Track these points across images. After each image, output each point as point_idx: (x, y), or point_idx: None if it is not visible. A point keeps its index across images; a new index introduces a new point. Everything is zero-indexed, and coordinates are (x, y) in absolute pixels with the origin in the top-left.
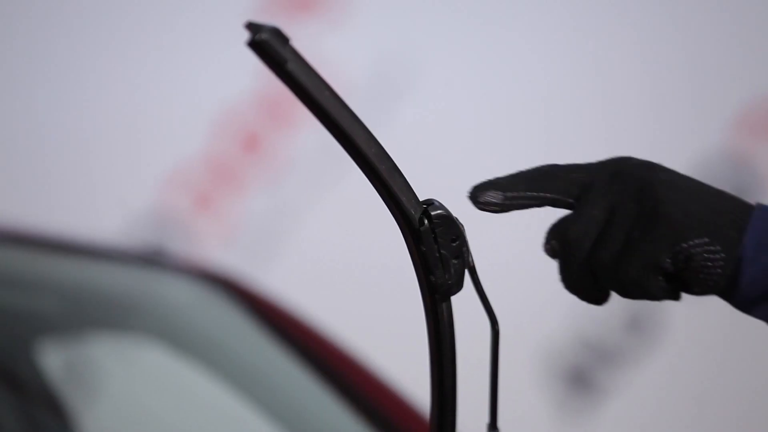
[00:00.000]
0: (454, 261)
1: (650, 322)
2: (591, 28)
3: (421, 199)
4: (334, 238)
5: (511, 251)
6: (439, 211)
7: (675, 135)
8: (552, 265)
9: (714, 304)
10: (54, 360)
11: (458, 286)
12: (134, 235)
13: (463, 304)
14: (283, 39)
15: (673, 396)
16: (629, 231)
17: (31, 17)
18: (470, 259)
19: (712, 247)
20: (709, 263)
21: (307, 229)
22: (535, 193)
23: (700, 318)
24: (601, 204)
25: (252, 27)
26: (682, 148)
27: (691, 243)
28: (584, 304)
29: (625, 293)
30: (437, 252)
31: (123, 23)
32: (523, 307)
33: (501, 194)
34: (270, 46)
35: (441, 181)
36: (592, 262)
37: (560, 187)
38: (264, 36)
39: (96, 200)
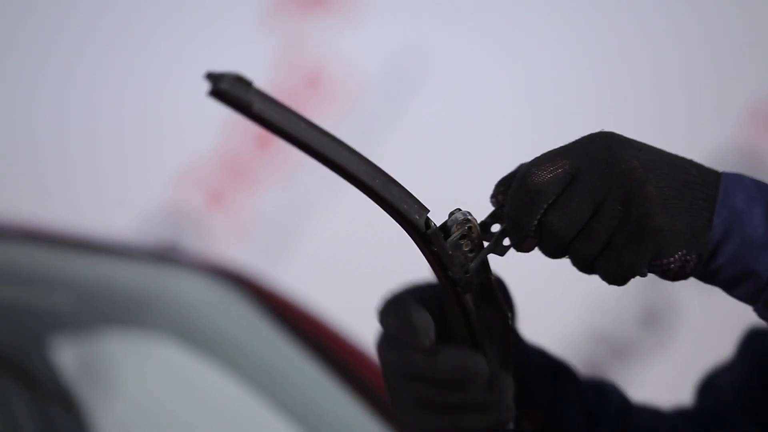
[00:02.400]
0: (469, 253)
1: (664, 316)
2: (602, 25)
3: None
4: (347, 235)
5: None
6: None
7: (686, 130)
8: (565, 261)
9: (727, 298)
10: (68, 357)
11: (480, 274)
12: (148, 231)
13: None
14: (245, 84)
15: (686, 390)
16: (612, 233)
17: (46, 17)
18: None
19: (688, 257)
20: (684, 269)
21: (321, 225)
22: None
23: (713, 312)
24: (587, 200)
25: (211, 77)
26: (693, 143)
27: (671, 258)
28: (597, 298)
29: (590, 272)
30: (449, 249)
31: (137, 22)
32: (536, 301)
33: (531, 240)
34: (230, 94)
35: (454, 175)
36: (568, 250)
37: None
38: (223, 86)
39: (110, 197)
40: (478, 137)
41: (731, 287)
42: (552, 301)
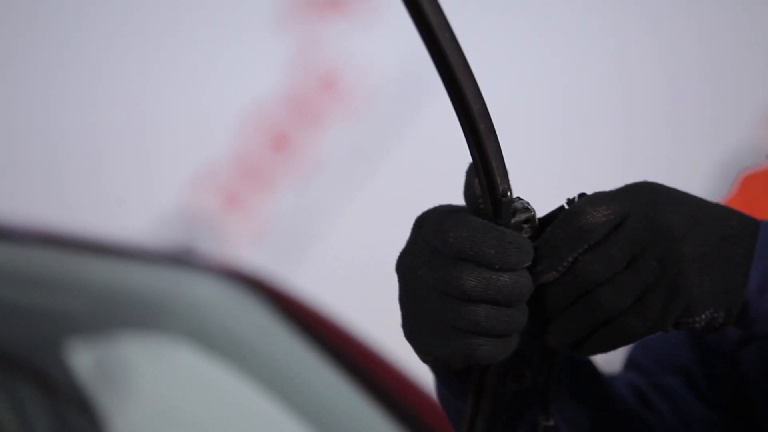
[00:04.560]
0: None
1: None
2: (615, 27)
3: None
4: (362, 238)
5: None
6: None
7: (701, 131)
8: None
9: None
10: (83, 360)
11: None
12: (163, 234)
13: None
14: None
15: None
16: (645, 289)
17: (62, 19)
18: None
19: (715, 314)
20: (712, 325)
21: (336, 228)
22: (577, 249)
23: None
24: (626, 250)
25: None
26: (708, 144)
27: (698, 318)
28: None
29: (602, 332)
30: (511, 227)
31: (154, 23)
32: None
33: (554, 273)
34: None
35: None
36: (590, 297)
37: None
38: None
39: (125, 200)
40: None
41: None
42: None
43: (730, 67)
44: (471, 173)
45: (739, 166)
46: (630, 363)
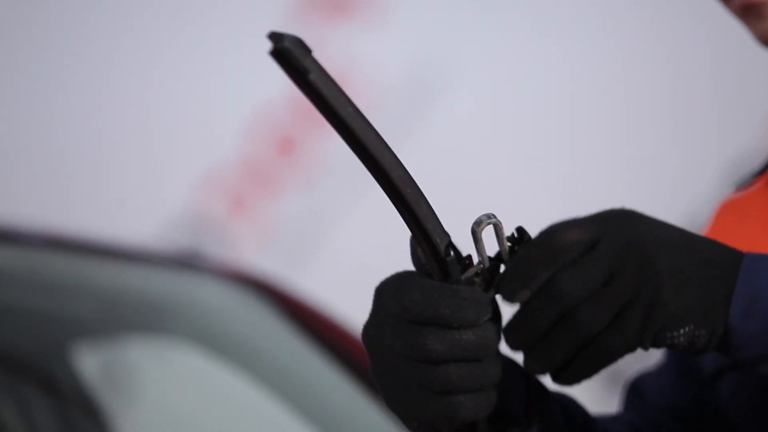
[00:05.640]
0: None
1: None
2: (622, 28)
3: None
4: (369, 241)
5: None
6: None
7: (706, 133)
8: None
9: None
10: (90, 363)
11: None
12: (170, 238)
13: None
14: (305, 50)
15: None
16: (623, 305)
17: (67, 21)
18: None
19: (696, 332)
20: (694, 345)
21: (343, 231)
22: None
23: None
24: (603, 268)
25: (274, 36)
26: (713, 145)
27: (675, 333)
28: None
29: (583, 352)
30: (463, 282)
31: (159, 26)
32: None
33: (528, 291)
34: (292, 55)
35: (476, 180)
36: (569, 317)
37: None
38: (286, 44)
39: (132, 203)
40: (500, 142)
41: (757, 364)
42: None
43: (737, 69)
44: (413, 241)
45: (745, 168)
46: (628, 404)
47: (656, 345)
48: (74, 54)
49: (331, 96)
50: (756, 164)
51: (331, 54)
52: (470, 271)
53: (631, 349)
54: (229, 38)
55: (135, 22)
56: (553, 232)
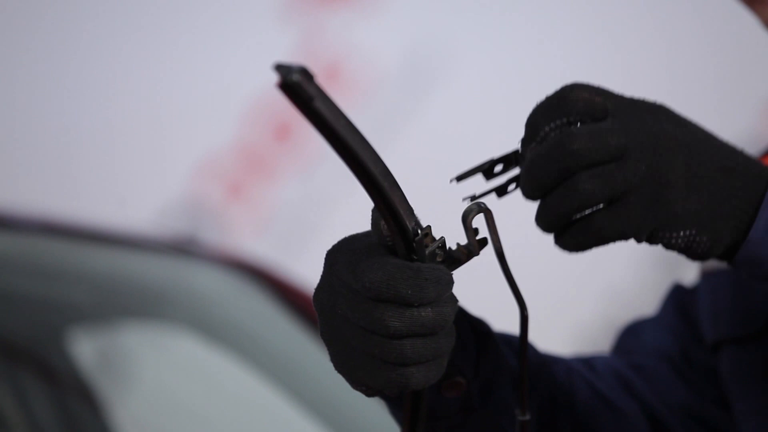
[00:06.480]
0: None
1: None
2: (619, 18)
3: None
4: (365, 227)
5: (542, 236)
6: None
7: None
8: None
9: None
10: (86, 349)
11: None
12: (166, 224)
13: (493, 289)
14: (309, 77)
15: None
16: (626, 189)
17: (66, 14)
18: (499, 246)
19: (698, 237)
20: (694, 249)
21: (339, 218)
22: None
23: None
24: (620, 138)
25: (281, 69)
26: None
27: (675, 234)
28: (614, 289)
29: (569, 228)
30: (426, 258)
31: (156, 15)
32: (553, 292)
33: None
34: (301, 87)
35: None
36: (570, 182)
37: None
38: (295, 77)
39: (128, 190)
40: (496, 129)
41: None
42: (570, 292)
43: (733, 58)
44: (376, 213)
45: None
46: (617, 348)
47: (651, 241)
48: (68, 43)
49: (333, 122)
50: (754, 152)
51: (328, 41)
52: (432, 246)
53: (623, 236)
54: (226, 25)
55: (131, 10)
56: (569, 88)
